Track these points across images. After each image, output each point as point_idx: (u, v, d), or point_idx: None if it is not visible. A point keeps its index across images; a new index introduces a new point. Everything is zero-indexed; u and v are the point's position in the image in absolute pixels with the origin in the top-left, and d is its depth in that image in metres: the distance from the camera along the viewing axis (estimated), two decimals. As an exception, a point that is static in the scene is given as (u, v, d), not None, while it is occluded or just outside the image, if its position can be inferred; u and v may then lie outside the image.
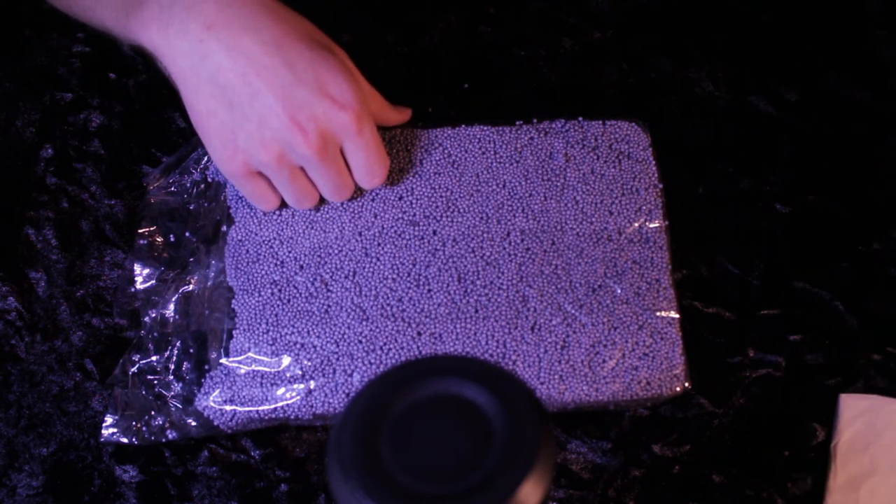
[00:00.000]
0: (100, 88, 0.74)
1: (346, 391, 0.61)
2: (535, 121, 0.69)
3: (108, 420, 0.61)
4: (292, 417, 0.61)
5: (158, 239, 0.66)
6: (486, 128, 0.69)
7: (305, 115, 0.58)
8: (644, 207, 0.66)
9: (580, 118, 0.69)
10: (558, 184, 0.66)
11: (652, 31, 0.76)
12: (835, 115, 0.72)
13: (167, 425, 0.61)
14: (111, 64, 0.74)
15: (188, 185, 0.68)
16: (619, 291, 0.63)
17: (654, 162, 0.67)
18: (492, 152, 0.68)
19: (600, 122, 0.69)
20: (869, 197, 0.69)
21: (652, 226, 0.65)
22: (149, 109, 0.72)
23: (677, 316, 0.63)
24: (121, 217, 0.69)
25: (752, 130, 0.72)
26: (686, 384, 0.62)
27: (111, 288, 0.67)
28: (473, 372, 0.41)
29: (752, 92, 0.73)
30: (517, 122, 0.69)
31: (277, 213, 0.66)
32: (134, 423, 0.61)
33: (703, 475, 0.61)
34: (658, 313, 0.63)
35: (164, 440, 0.61)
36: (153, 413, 0.61)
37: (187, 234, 0.67)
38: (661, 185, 0.67)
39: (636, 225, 0.65)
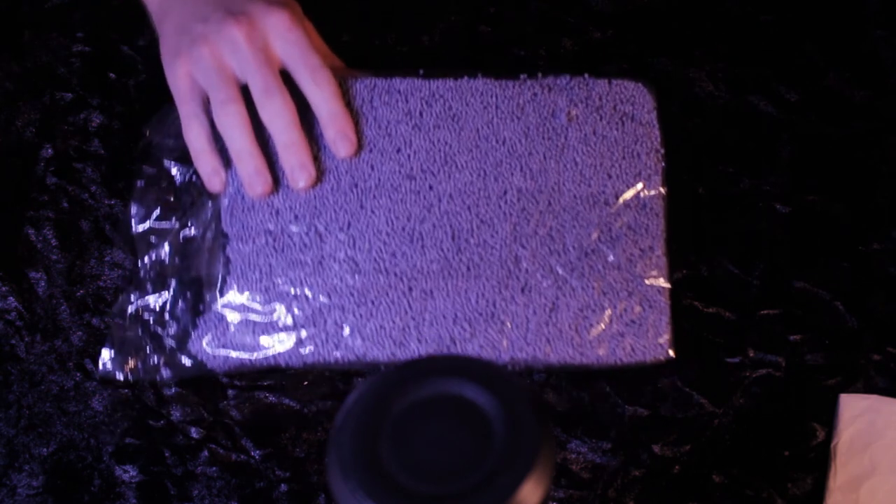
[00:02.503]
0: (100, 88, 0.74)
1: (336, 342, 0.61)
2: (539, 75, 0.68)
3: (105, 354, 0.63)
4: (283, 364, 0.62)
5: (159, 182, 0.67)
6: (488, 81, 0.67)
7: (239, 8, 0.64)
8: (644, 172, 0.65)
9: (586, 75, 0.68)
10: (559, 143, 0.65)
11: (652, 31, 0.76)
12: (835, 115, 0.72)
13: (161, 364, 0.62)
14: (111, 64, 0.74)
15: None
16: (611, 257, 0.63)
17: (657, 125, 0.66)
18: (493, 107, 0.66)
19: (606, 80, 0.68)
20: (869, 197, 0.69)
21: (650, 192, 0.64)
22: (149, 109, 0.72)
23: (668, 285, 0.63)
24: (121, 217, 0.69)
25: (752, 130, 0.72)
26: (671, 353, 0.62)
27: (111, 288, 0.67)
28: (473, 372, 0.41)
29: (752, 92, 0.73)
30: (521, 76, 0.68)
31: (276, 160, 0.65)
32: (129, 360, 0.62)
33: (703, 475, 0.61)
34: (648, 281, 0.62)
35: (157, 378, 0.62)
36: (148, 352, 0.62)
37: (187, 177, 0.67)
38: (662, 150, 0.66)
39: (634, 190, 0.64)
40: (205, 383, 0.64)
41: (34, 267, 0.68)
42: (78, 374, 0.64)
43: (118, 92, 0.73)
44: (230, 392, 0.64)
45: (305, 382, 0.64)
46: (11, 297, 0.67)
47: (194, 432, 0.63)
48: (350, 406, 0.41)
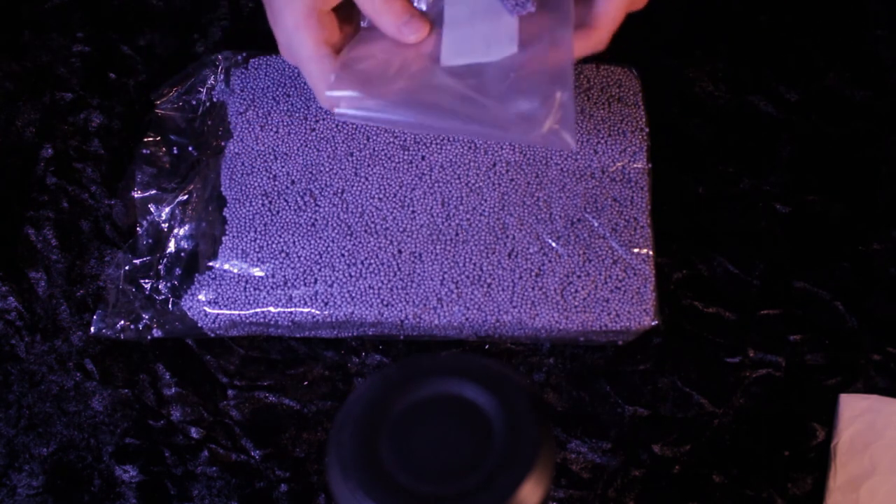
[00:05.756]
0: (100, 88, 0.74)
1: (325, 300, 0.63)
2: None
3: (98, 315, 0.64)
4: (272, 323, 0.63)
5: (161, 150, 0.69)
6: None
7: None
8: (629, 149, 0.67)
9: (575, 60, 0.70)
10: None
11: (652, 31, 0.76)
12: (835, 115, 0.72)
13: (154, 324, 0.64)
14: (111, 64, 0.74)
15: (193, 103, 0.71)
16: (597, 227, 0.65)
17: (642, 107, 0.69)
18: None
19: (594, 65, 0.70)
20: (869, 197, 0.69)
21: (635, 167, 0.67)
22: (149, 109, 0.72)
23: (652, 254, 0.64)
24: (121, 217, 0.69)
25: (752, 130, 0.72)
26: (654, 320, 0.62)
27: (111, 288, 0.67)
28: (473, 372, 0.41)
29: (752, 92, 0.73)
30: None
31: (275, 129, 0.68)
32: (123, 320, 0.64)
33: (703, 475, 0.61)
34: (633, 250, 0.64)
35: (149, 338, 0.64)
36: (141, 312, 0.64)
37: (189, 148, 0.69)
38: (647, 129, 0.68)
39: (620, 165, 0.67)
40: (205, 383, 0.64)
41: (34, 267, 0.68)
42: (78, 374, 0.64)
43: (118, 92, 0.73)
44: (230, 392, 0.64)
45: (305, 382, 0.64)
46: (11, 297, 0.67)
47: (194, 432, 0.63)
48: (350, 406, 0.41)
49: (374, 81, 0.59)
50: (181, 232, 0.66)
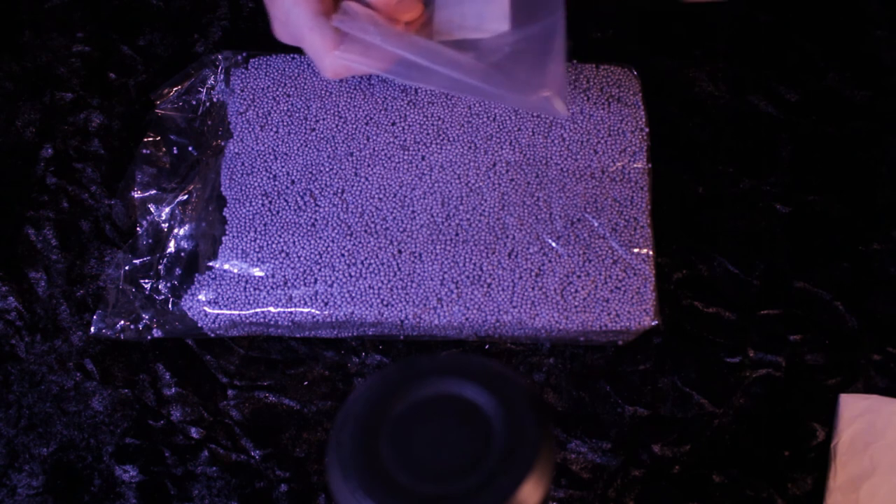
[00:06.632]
0: (100, 88, 0.74)
1: (325, 300, 0.63)
2: None
3: (98, 315, 0.64)
4: (272, 323, 0.63)
5: (161, 150, 0.69)
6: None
7: None
8: (629, 149, 0.67)
9: (574, 61, 0.70)
10: (547, 121, 0.68)
11: (652, 31, 0.76)
12: (835, 115, 0.72)
13: (154, 324, 0.64)
14: (111, 64, 0.74)
15: (193, 103, 0.71)
16: (596, 226, 0.65)
17: (642, 106, 0.69)
18: None
19: (594, 65, 0.70)
20: (869, 197, 0.69)
21: (635, 166, 0.67)
22: (149, 109, 0.72)
23: (652, 254, 0.64)
24: (121, 217, 0.69)
25: (752, 130, 0.72)
26: (654, 320, 0.62)
27: (111, 288, 0.67)
28: (473, 372, 0.41)
29: (752, 92, 0.73)
30: None
31: (275, 129, 0.68)
32: (123, 320, 0.64)
33: (703, 475, 0.61)
34: (633, 250, 0.64)
35: (149, 338, 0.64)
36: (141, 312, 0.64)
37: (189, 148, 0.69)
38: (647, 129, 0.68)
39: (620, 165, 0.67)
40: (205, 383, 0.64)
41: (34, 267, 0.68)
42: (78, 374, 0.64)
43: (118, 92, 0.73)
44: (230, 392, 0.64)
45: (305, 382, 0.64)
46: (11, 297, 0.67)
47: (194, 432, 0.63)
48: (350, 406, 0.41)
49: (377, 46, 0.61)
50: (181, 232, 0.66)
